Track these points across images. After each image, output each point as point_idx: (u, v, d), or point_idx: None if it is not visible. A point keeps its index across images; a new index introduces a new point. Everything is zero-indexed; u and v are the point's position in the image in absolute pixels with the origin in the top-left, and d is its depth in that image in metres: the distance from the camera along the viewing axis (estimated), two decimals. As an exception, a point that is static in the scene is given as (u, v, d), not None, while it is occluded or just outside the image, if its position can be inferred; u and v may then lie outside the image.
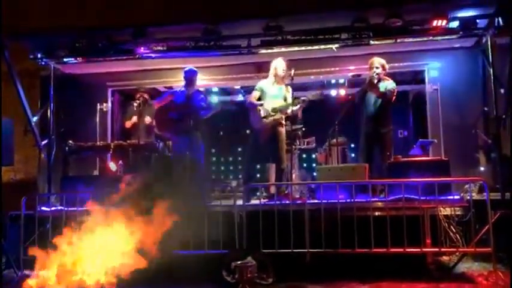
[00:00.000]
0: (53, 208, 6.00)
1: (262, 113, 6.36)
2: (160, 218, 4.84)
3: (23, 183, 7.57)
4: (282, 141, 6.39)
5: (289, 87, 6.47)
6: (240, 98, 9.19)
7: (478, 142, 7.03)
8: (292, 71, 6.31)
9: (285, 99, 6.41)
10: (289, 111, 6.37)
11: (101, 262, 4.71)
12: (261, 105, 6.39)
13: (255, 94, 6.47)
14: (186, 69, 6.84)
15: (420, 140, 7.04)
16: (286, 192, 6.15)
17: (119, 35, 6.90)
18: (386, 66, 6.44)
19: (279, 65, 6.40)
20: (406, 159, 6.22)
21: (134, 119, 7.57)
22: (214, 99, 9.09)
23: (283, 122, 6.45)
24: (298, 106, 6.60)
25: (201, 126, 6.80)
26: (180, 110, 6.67)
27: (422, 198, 5.26)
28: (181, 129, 6.60)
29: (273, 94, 6.42)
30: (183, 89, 6.87)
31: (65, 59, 7.13)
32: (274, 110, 6.34)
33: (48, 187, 7.04)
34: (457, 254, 5.43)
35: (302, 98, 6.62)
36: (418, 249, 5.16)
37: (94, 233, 4.84)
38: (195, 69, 6.86)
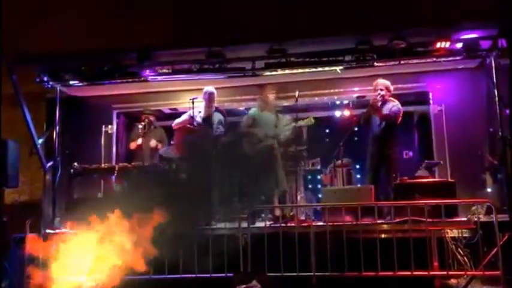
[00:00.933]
0: (57, 231, 5.97)
1: (255, 140, 6.53)
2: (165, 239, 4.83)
3: (28, 205, 7.55)
4: (278, 166, 6.55)
5: (279, 114, 6.73)
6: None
7: (484, 163, 6.98)
8: (297, 93, 6.35)
9: (276, 126, 6.62)
10: (281, 136, 6.58)
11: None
12: (253, 132, 6.57)
13: (248, 122, 6.69)
14: (205, 89, 6.85)
15: (426, 161, 7.00)
16: (291, 214, 6.12)
17: (124, 58, 6.98)
18: (391, 87, 6.45)
19: (266, 97, 6.67)
20: (412, 180, 6.18)
21: (139, 140, 7.55)
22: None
23: (277, 146, 6.62)
24: (290, 131, 6.69)
25: (219, 148, 6.81)
26: (199, 131, 6.67)
27: (428, 220, 5.21)
28: (199, 150, 6.57)
29: (264, 121, 6.62)
30: (201, 109, 6.88)
31: (70, 82, 7.19)
32: (266, 136, 6.50)
33: (53, 209, 7.02)
34: (465, 277, 5.34)
35: (292, 124, 6.71)
36: (426, 273, 5.09)
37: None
38: (214, 89, 6.87)
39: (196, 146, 6.65)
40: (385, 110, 6.37)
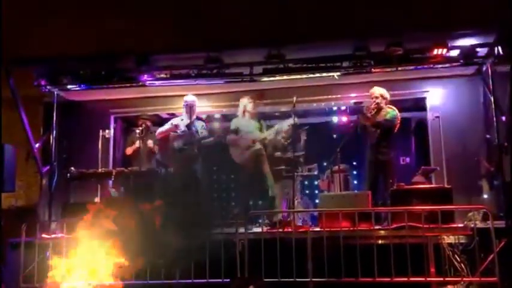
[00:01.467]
0: (53, 235, 5.95)
1: (242, 147, 6.72)
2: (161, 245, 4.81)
3: (24, 209, 7.53)
4: (266, 171, 6.72)
5: (261, 120, 6.98)
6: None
7: (480, 170, 7.00)
8: (294, 98, 6.37)
9: (260, 130, 6.84)
10: (266, 140, 6.82)
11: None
12: (239, 139, 6.75)
13: (232, 131, 6.87)
14: (185, 97, 6.89)
15: (423, 167, 7.02)
16: (289, 220, 6.14)
17: (122, 62, 6.98)
18: (386, 95, 6.48)
19: (247, 104, 6.85)
20: (408, 186, 6.19)
21: (137, 143, 7.48)
22: (216, 126, 9.10)
23: (264, 152, 6.83)
24: (273, 134, 6.87)
25: (204, 154, 6.84)
26: (183, 140, 6.71)
27: (425, 226, 5.22)
28: (184, 158, 6.61)
29: (248, 129, 6.80)
30: (183, 117, 6.90)
31: (68, 86, 7.19)
32: (253, 142, 6.70)
33: (49, 214, 6.99)
34: (462, 283, 5.33)
35: (276, 127, 6.93)
36: (423, 278, 5.09)
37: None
38: (194, 97, 6.90)
39: (183, 150, 6.70)
40: (379, 117, 6.40)
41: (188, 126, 6.81)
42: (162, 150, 7.22)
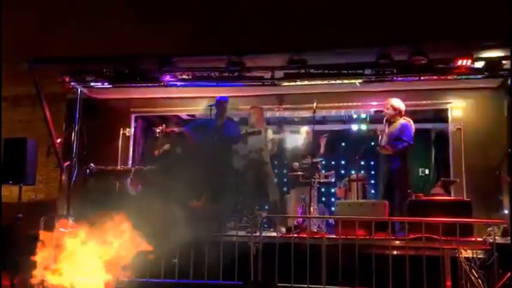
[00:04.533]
0: (70, 230, 6.01)
1: (242, 154, 6.97)
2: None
3: (43, 203, 7.64)
4: (266, 177, 6.95)
5: (268, 129, 7.28)
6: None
7: (501, 184, 6.87)
8: (315, 104, 6.37)
9: (263, 141, 7.00)
10: (267, 149, 7.03)
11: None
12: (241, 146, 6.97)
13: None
14: (218, 97, 6.90)
15: (442, 178, 6.93)
16: (304, 225, 6.13)
17: (145, 63, 7.05)
18: (400, 107, 6.46)
19: (251, 116, 7.17)
20: (427, 198, 6.11)
21: (166, 146, 7.55)
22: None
23: (265, 160, 7.03)
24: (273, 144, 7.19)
25: (231, 155, 6.89)
26: (212, 139, 6.72)
27: (443, 238, 5.14)
28: (211, 157, 6.61)
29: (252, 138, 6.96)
30: (214, 117, 6.92)
31: (92, 84, 7.29)
32: (251, 151, 6.90)
33: (68, 208, 7.08)
34: (479, 298, 5.24)
35: (271, 137, 7.23)
36: (438, 292, 5.02)
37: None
38: (227, 97, 6.93)
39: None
40: (391, 128, 6.45)
41: (218, 125, 6.82)
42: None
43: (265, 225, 6.66)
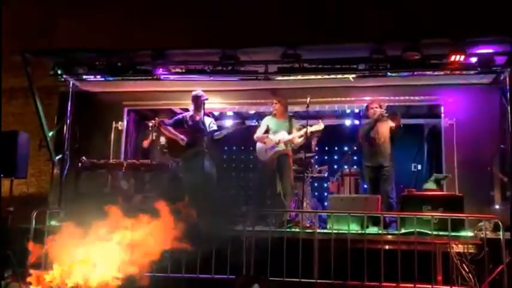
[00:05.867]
0: (62, 223, 5.98)
1: (267, 146, 6.70)
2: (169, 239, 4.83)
3: (35, 197, 7.61)
4: (287, 171, 6.65)
5: (293, 120, 6.85)
6: (254, 123, 9.20)
7: (493, 180, 6.91)
8: (308, 99, 6.36)
9: (289, 132, 6.71)
10: (295, 142, 6.70)
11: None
12: (267, 137, 6.72)
13: (262, 129, 6.85)
14: (193, 93, 6.84)
15: (435, 174, 6.96)
16: (297, 220, 6.13)
17: (138, 56, 7.01)
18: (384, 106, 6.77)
19: (274, 107, 6.85)
20: (419, 192, 6.14)
21: (150, 136, 7.52)
22: (228, 122, 9.10)
23: (290, 153, 6.76)
24: (302, 137, 6.71)
25: (212, 150, 6.81)
26: (191, 134, 6.71)
27: (434, 233, 5.17)
28: (192, 154, 6.61)
29: (276, 128, 6.77)
30: (191, 113, 6.89)
31: (84, 77, 7.24)
32: (278, 142, 6.63)
33: (59, 202, 7.05)
34: (469, 293, 5.29)
35: (304, 130, 6.69)
36: (429, 286, 5.04)
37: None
38: (202, 92, 6.85)
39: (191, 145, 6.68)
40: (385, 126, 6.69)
41: (196, 120, 6.74)
42: (171, 146, 7.21)
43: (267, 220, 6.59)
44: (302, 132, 6.62)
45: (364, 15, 6.51)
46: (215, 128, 6.89)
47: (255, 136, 6.87)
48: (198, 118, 6.77)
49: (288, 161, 6.72)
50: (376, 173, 6.65)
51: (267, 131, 6.82)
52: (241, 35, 6.67)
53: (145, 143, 7.70)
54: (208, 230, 5.29)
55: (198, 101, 6.74)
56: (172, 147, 7.42)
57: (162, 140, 7.63)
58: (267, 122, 6.89)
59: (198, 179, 6.42)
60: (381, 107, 6.74)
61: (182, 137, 6.78)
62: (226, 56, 6.69)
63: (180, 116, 7.05)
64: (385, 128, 6.74)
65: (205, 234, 5.19)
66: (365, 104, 7.82)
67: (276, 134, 6.73)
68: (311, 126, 6.66)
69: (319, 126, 6.68)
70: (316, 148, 8.19)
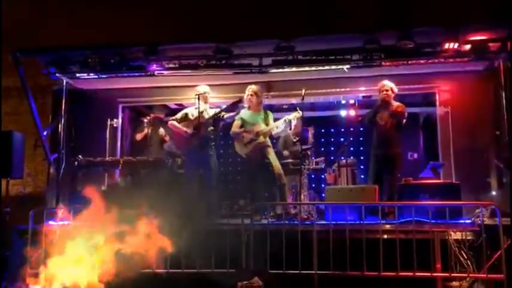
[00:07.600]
0: (60, 222, 5.97)
1: (246, 140, 6.54)
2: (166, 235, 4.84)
3: (32, 196, 7.59)
4: (273, 161, 6.52)
5: (268, 111, 6.72)
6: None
7: (489, 166, 6.94)
8: (303, 91, 6.34)
9: (266, 124, 6.59)
10: (273, 132, 6.59)
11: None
12: (244, 132, 6.57)
13: (237, 123, 6.66)
14: (198, 86, 6.82)
15: (431, 162, 6.98)
16: (294, 212, 6.13)
17: (131, 52, 6.97)
18: (395, 89, 6.48)
19: (245, 94, 6.63)
20: (416, 181, 6.15)
21: (145, 130, 7.48)
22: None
23: (269, 144, 6.64)
24: (282, 126, 6.63)
25: (215, 143, 6.77)
26: (194, 127, 6.67)
27: (432, 221, 5.19)
28: (195, 146, 6.55)
29: (252, 121, 6.61)
30: (196, 106, 6.84)
31: (77, 74, 7.20)
32: (257, 135, 6.51)
33: (57, 201, 7.03)
34: (468, 279, 5.30)
35: (282, 119, 6.62)
36: (428, 274, 5.06)
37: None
38: (208, 86, 6.84)
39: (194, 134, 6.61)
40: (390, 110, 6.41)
41: (200, 113, 6.66)
42: (174, 138, 7.13)
43: (265, 213, 6.57)
44: (280, 122, 6.55)
45: (356, 5, 6.48)
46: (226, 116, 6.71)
47: (231, 132, 6.70)
48: (202, 111, 6.71)
49: (272, 151, 6.63)
50: (382, 161, 6.44)
51: (242, 126, 6.65)
52: (235, 29, 6.64)
53: (139, 136, 7.63)
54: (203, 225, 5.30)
55: (202, 94, 6.66)
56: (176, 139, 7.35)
57: (162, 131, 7.59)
58: (242, 115, 6.70)
59: (202, 171, 6.40)
60: (393, 91, 6.48)
61: (186, 129, 6.72)
62: (219, 50, 6.66)
63: (184, 109, 6.99)
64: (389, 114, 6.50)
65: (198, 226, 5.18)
66: (361, 94, 7.86)
67: (253, 127, 6.58)
68: (290, 114, 6.60)
69: (297, 113, 6.59)
70: (313, 140, 8.19)
